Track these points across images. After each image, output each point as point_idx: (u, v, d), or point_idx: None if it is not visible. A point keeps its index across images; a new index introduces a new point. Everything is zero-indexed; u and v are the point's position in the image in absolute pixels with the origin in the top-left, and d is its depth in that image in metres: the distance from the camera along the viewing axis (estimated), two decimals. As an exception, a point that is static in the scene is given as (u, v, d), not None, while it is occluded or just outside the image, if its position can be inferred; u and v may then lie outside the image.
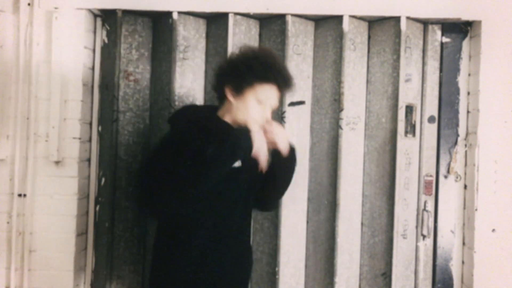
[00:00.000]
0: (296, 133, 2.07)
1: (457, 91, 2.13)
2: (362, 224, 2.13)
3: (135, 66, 2.07)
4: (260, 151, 1.45)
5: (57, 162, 2.00)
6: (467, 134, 2.11)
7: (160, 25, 2.06)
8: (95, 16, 2.10)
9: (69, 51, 2.00)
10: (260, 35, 2.11)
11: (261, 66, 1.42)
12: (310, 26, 2.11)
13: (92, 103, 2.12)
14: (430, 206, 2.11)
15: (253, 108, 1.44)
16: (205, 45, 2.09)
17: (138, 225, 2.08)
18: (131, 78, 2.07)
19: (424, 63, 2.12)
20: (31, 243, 2.01)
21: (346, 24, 2.01)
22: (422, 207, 2.11)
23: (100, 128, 2.11)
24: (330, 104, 2.06)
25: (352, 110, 2.07)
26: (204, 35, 2.09)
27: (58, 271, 2.02)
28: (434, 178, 2.13)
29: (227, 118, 1.50)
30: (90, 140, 2.12)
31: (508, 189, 2.02)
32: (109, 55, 2.06)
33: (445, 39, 2.13)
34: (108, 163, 2.02)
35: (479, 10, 2.00)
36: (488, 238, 2.01)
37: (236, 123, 1.48)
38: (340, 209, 2.01)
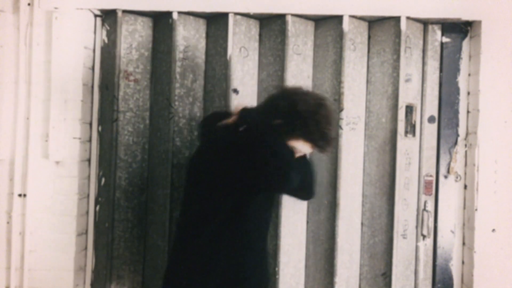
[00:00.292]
0: (296, 133, 2.07)
1: (457, 91, 2.13)
2: (362, 224, 2.13)
3: (135, 66, 2.07)
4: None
5: (57, 162, 2.01)
6: (467, 134, 2.11)
7: (160, 25, 2.06)
8: (95, 16, 2.10)
9: (69, 51, 2.00)
10: (260, 35, 2.11)
11: (320, 134, 1.41)
12: (310, 26, 2.11)
13: (92, 103, 2.12)
14: (430, 206, 2.11)
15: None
16: (205, 45, 2.09)
17: (138, 225, 2.09)
18: (131, 78, 2.07)
19: (424, 63, 2.12)
20: (31, 243, 2.02)
21: (346, 24, 2.01)
22: (422, 207, 2.11)
23: (100, 128, 2.11)
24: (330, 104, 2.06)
25: (352, 110, 2.07)
26: (204, 35, 2.10)
27: (58, 271, 2.02)
28: (434, 178, 2.13)
29: None
30: (90, 140, 2.12)
31: (508, 189, 2.02)
32: (109, 55, 2.06)
33: (445, 39, 2.13)
34: (108, 163, 2.03)
35: (479, 10, 2.00)
36: (488, 238, 2.01)
37: None
38: (340, 209, 2.01)
